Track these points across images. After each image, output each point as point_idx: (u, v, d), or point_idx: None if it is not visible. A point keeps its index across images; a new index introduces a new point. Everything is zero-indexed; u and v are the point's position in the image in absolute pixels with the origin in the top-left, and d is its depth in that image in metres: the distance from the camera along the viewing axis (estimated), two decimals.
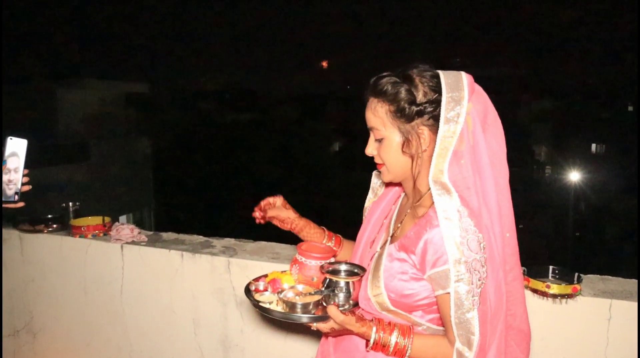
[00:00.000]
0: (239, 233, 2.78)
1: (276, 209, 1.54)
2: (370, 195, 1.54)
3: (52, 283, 2.64)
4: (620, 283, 1.99)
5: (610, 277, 2.05)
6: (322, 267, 1.32)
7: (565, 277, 1.93)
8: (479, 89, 1.22)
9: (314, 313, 1.25)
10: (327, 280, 1.27)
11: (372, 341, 1.20)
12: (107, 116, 13.82)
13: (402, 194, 1.40)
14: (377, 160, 1.28)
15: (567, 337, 1.88)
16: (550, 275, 1.96)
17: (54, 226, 2.69)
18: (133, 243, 2.44)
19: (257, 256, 2.23)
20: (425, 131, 1.19)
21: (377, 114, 1.21)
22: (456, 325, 1.13)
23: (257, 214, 1.53)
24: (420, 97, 1.18)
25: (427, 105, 1.17)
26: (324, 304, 1.25)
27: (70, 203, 2.73)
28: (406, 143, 1.20)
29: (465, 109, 1.15)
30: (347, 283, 1.26)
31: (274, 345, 2.22)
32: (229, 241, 2.45)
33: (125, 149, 14.28)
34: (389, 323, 1.22)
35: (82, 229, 2.53)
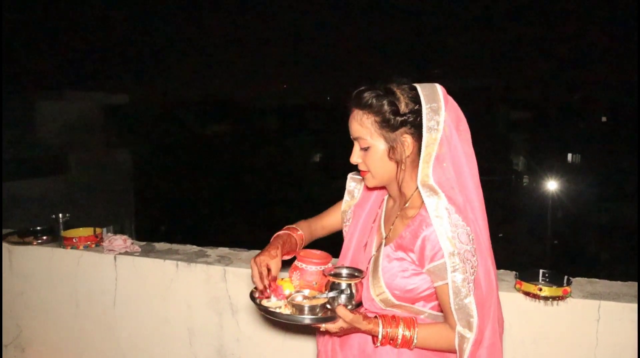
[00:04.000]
0: (223, 243, 2.79)
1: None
2: (346, 198, 1.64)
3: (42, 296, 2.60)
4: (607, 285, 2.05)
5: (597, 280, 2.12)
6: (324, 272, 1.37)
7: (554, 280, 1.98)
8: (451, 99, 1.32)
9: (320, 315, 1.30)
10: (331, 283, 1.33)
11: (380, 336, 1.27)
12: (86, 127, 13.66)
13: (385, 198, 1.49)
14: (361, 167, 1.37)
15: (557, 338, 1.93)
16: (540, 278, 2.01)
17: (44, 238, 2.66)
18: (126, 253, 2.44)
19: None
20: (408, 139, 1.30)
21: (364, 125, 1.30)
22: (456, 311, 1.23)
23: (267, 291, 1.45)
24: (402, 108, 1.28)
25: (409, 115, 1.28)
26: (329, 306, 1.31)
27: (60, 214, 2.70)
28: (391, 150, 1.30)
29: (443, 117, 1.26)
30: (350, 285, 1.32)
31: (270, 354, 2.23)
32: (223, 251, 2.46)
33: (105, 161, 14.12)
34: (393, 317, 1.30)
35: (74, 240, 2.51)
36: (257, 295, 1.42)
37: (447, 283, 1.22)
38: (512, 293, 1.96)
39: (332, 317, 1.28)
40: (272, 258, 1.42)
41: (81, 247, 2.52)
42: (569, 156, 21.43)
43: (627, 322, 1.86)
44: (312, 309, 1.30)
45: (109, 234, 2.56)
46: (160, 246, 2.57)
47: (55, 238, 2.65)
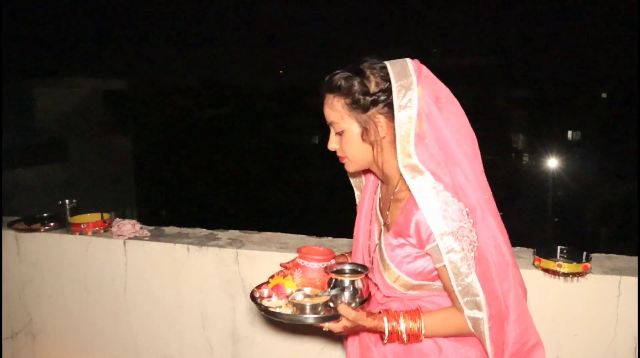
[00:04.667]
0: (226, 226, 2.76)
1: None
2: (357, 194, 1.58)
3: (51, 283, 2.58)
4: (626, 261, 2.03)
5: (615, 255, 2.09)
6: (326, 268, 1.34)
7: (573, 256, 1.95)
8: (426, 72, 1.26)
9: (323, 314, 1.25)
10: (333, 280, 1.29)
11: (387, 332, 1.23)
12: (85, 113, 13.57)
13: (379, 184, 1.44)
14: (339, 153, 1.33)
15: (577, 315, 1.91)
16: (558, 254, 1.98)
17: (51, 224, 2.63)
18: (135, 238, 2.40)
19: (265, 247, 2.22)
20: (381, 119, 1.25)
21: (335, 109, 1.27)
22: (460, 293, 1.19)
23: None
24: (373, 87, 1.24)
25: (380, 94, 1.23)
26: (332, 304, 1.27)
27: (67, 200, 2.67)
28: (365, 132, 1.26)
29: (417, 93, 1.19)
30: (353, 282, 1.28)
31: (285, 337, 2.21)
32: (234, 233, 2.43)
33: (105, 147, 14.05)
34: (396, 312, 1.25)
35: (82, 226, 2.48)
36: (257, 294, 1.39)
37: (445, 265, 1.18)
38: (531, 270, 1.94)
39: (336, 316, 1.23)
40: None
41: (90, 233, 2.48)
42: (569, 133, 21.35)
43: None
44: (314, 308, 1.26)
45: (117, 219, 2.52)
46: (169, 230, 2.53)
47: (62, 224, 2.62)
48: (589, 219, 18.03)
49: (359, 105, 1.24)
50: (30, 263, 2.59)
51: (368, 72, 1.25)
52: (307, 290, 1.35)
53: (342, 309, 1.21)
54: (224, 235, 2.41)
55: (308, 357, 2.20)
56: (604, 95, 21.78)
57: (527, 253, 2.10)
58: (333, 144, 1.33)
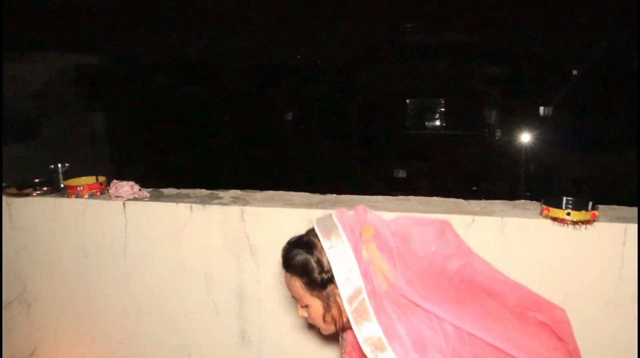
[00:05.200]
0: None
1: None
2: None
3: (46, 248, 2.51)
4: (629, 211, 2.07)
5: (617, 206, 2.13)
6: None
7: (579, 206, 1.98)
8: (380, 227, 1.24)
9: None
10: None
11: None
12: (57, 90, 13.17)
13: None
14: (309, 321, 1.33)
15: (584, 262, 1.94)
16: (564, 205, 2.00)
17: (44, 189, 2.55)
18: (135, 199, 2.35)
19: (270, 204, 2.20)
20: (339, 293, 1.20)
21: (295, 288, 1.28)
22: None
23: None
24: (325, 263, 1.21)
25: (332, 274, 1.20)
26: None
27: (59, 164, 2.59)
28: (327, 309, 1.25)
29: (358, 267, 1.16)
30: None
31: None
32: (236, 192, 2.40)
33: (78, 125, 13.70)
34: None
35: (79, 189, 2.41)
36: None
37: None
38: (539, 220, 1.96)
39: None
40: None
41: (86, 196, 2.42)
42: (541, 109, 21.67)
43: None
44: None
45: (115, 181, 2.46)
46: (168, 191, 2.49)
47: (56, 188, 2.54)
48: (560, 192, 18.42)
49: (316, 284, 1.23)
50: (23, 229, 2.52)
51: (319, 245, 1.22)
52: None
53: None
54: (225, 194, 2.38)
55: None
56: (575, 72, 22.12)
57: (533, 205, 2.13)
58: (301, 313, 1.34)
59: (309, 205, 2.17)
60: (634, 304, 1.93)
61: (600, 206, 2.06)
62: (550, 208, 1.94)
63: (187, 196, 2.37)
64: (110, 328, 2.52)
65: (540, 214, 1.99)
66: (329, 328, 1.30)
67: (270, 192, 2.38)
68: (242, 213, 2.16)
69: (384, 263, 1.19)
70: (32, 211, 2.48)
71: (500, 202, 2.18)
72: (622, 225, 1.90)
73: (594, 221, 1.91)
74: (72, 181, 2.49)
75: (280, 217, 2.13)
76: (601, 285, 1.94)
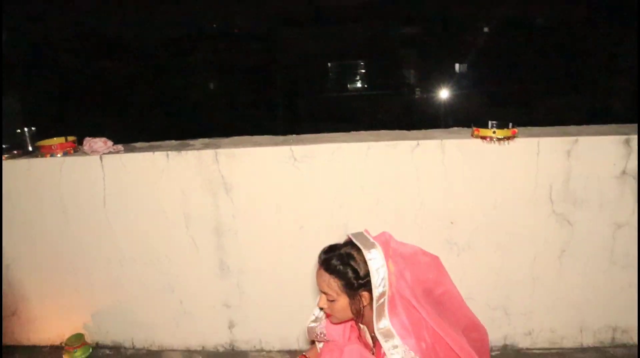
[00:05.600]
0: None
1: None
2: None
3: (23, 209, 2.61)
4: (540, 130, 2.51)
5: (531, 127, 2.56)
6: None
7: (502, 126, 2.38)
8: (394, 245, 1.69)
9: None
10: None
11: None
12: None
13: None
14: (327, 311, 1.73)
15: (509, 172, 2.36)
16: (490, 126, 2.40)
17: (14, 152, 2.65)
18: (110, 153, 2.52)
19: (241, 146, 2.45)
20: (366, 294, 1.63)
21: (331, 287, 1.63)
22: None
23: None
24: (362, 272, 1.60)
25: (368, 279, 1.59)
26: None
27: (26, 129, 2.69)
28: (352, 303, 1.64)
29: (385, 275, 1.58)
30: None
31: (265, 225, 2.48)
32: (205, 140, 2.63)
33: None
34: None
35: (53, 148, 2.54)
36: None
37: None
38: (471, 140, 2.35)
39: None
40: None
41: (60, 154, 2.55)
42: (457, 66, 22.64)
43: (559, 153, 2.32)
44: None
45: (87, 138, 2.60)
46: (140, 145, 2.67)
47: (25, 152, 2.65)
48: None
49: (352, 287, 1.61)
50: None
51: (357, 258, 1.61)
52: None
53: None
54: (196, 142, 2.60)
55: (289, 240, 2.50)
56: (485, 29, 23.22)
57: (465, 130, 2.53)
58: (322, 304, 1.68)
59: (275, 144, 2.46)
60: (547, 203, 2.38)
61: (518, 128, 2.50)
62: (480, 129, 2.34)
63: (160, 146, 2.58)
64: (93, 278, 2.70)
65: (472, 135, 2.38)
66: (343, 319, 1.71)
67: (237, 137, 2.64)
68: (216, 155, 2.41)
69: (395, 275, 1.62)
70: (6, 174, 2.57)
71: (439, 130, 2.57)
72: (535, 139, 2.33)
73: (514, 137, 2.32)
74: (46, 142, 2.60)
75: (250, 156, 2.40)
76: (523, 188, 2.37)
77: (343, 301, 1.64)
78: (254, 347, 2.70)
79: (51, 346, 2.89)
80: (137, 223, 2.56)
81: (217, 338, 2.71)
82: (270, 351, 2.69)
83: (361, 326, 1.79)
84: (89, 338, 2.80)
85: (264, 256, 2.52)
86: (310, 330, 1.96)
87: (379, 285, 1.58)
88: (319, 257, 1.68)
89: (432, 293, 1.83)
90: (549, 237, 2.42)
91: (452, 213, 2.40)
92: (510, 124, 2.37)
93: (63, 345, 2.76)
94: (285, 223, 2.46)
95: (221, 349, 2.73)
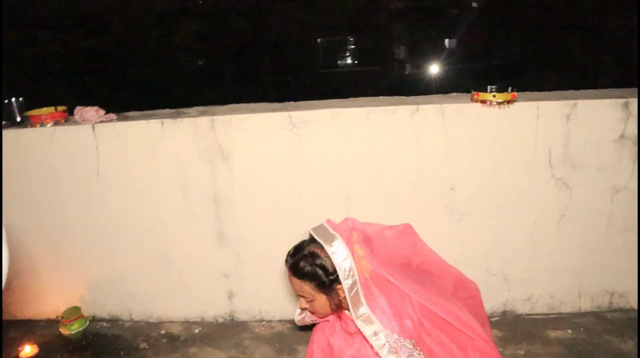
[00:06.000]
0: None
1: None
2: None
3: (12, 182, 2.55)
4: (539, 95, 2.49)
5: (530, 92, 2.54)
6: None
7: (501, 91, 2.35)
8: (358, 226, 1.67)
9: None
10: None
11: None
12: None
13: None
14: (309, 310, 1.74)
15: (508, 135, 2.34)
16: (489, 90, 2.37)
17: (2, 122, 2.58)
18: (103, 122, 2.46)
19: (237, 112, 2.40)
20: (341, 287, 1.60)
21: (305, 291, 1.63)
22: None
23: None
24: (330, 268, 1.58)
25: (336, 274, 1.58)
26: None
27: (13, 99, 2.62)
28: (330, 299, 1.64)
29: (353, 263, 1.56)
30: None
31: (265, 193, 2.45)
32: (199, 108, 2.58)
33: None
34: None
35: (42, 117, 2.48)
36: None
37: None
38: (471, 104, 2.32)
39: None
40: None
41: (51, 124, 2.49)
42: (446, 41, 22.54)
43: (558, 117, 2.30)
44: None
45: (78, 107, 2.54)
46: (133, 114, 2.61)
47: (14, 122, 2.58)
48: None
49: (325, 285, 1.60)
50: None
51: (322, 256, 1.59)
52: None
53: None
54: (191, 110, 2.55)
55: (289, 208, 2.48)
56: (474, 4, 23.10)
57: (464, 95, 2.50)
58: (304, 305, 1.70)
59: (273, 110, 2.41)
60: (546, 167, 2.37)
61: (518, 93, 2.47)
62: (480, 93, 2.31)
63: (154, 115, 2.52)
64: (88, 249, 2.66)
65: (471, 100, 2.35)
66: (326, 314, 1.71)
67: (233, 105, 2.59)
68: (213, 122, 2.36)
69: (365, 258, 1.60)
70: None
71: (437, 95, 2.54)
72: (535, 103, 2.31)
73: (514, 101, 2.30)
74: (34, 112, 2.53)
75: (248, 122, 2.35)
76: (522, 152, 2.35)
77: (321, 299, 1.65)
78: (254, 317, 2.69)
79: (47, 320, 2.86)
80: (132, 193, 2.52)
81: (216, 309, 2.70)
82: (270, 321, 2.68)
83: (346, 313, 1.79)
84: (85, 312, 2.77)
85: (263, 225, 2.49)
86: (300, 321, 1.97)
87: (347, 277, 1.57)
88: (286, 262, 1.67)
89: (411, 265, 1.85)
90: (548, 201, 2.42)
91: (452, 178, 2.38)
92: (510, 88, 2.34)
93: (59, 318, 2.73)
94: (284, 191, 2.43)
95: (220, 320, 2.72)
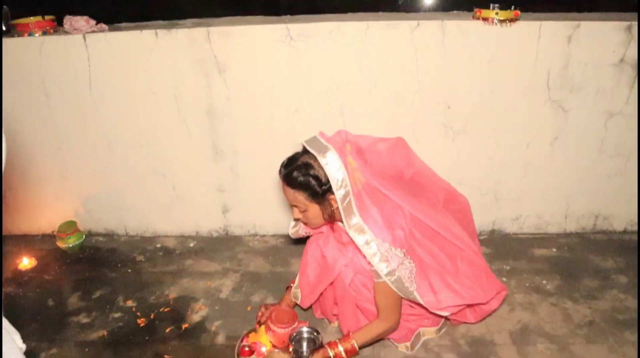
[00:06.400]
0: None
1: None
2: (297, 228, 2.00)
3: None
4: (543, 15, 2.44)
5: (532, 13, 2.49)
6: (290, 337, 1.83)
7: (504, 7, 2.30)
8: (351, 138, 1.69)
9: None
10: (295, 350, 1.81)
11: (332, 354, 1.74)
12: None
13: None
14: (302, 220, 1.79)
15: (507, 55, 2.31)
16: (491, 7, 2.32)
17: None
18: (94, 32, 2.39)
19: (233, 24, 2.34)
20: (334, 197, 1.62)
21: (299, 200, 1.65)
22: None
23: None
24: (324, 178, 1.60)
25: (330, 184, 1.59)
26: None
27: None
28: (323, 209, 1.67)
29: (344, 174, 1.57)
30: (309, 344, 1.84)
31: (261, 107, 2.42)
32: (195, 20, 2.50)
33: None
34: (334, 342, 1.76)
35: (30, 26, 2.39)
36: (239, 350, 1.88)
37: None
38: (472, 21, 2.28)
39: None
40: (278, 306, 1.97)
41: (39, 33, 2.41)
42: None
43: (560, 38, 2.27)
44: None
45: (68, 16, 2.45)
46: (125, 25, 2.53)
47: None
48: None
49: (318, 195, 1.63)
50: None
51: (316, 166, 1.60)
52: (275, 353, 1.83)
53: None
54: (186, 21, 2.48)
55: (284, 123, 2.46)
56: None
57: (465, 14, 2.45)
58: (297, 215, 1.73)
59: (270, 22, 2.35)
60: (544, 90, 2.36)
61: (521, 13, 2.42)
62: (482, 10, 2.26)
63: (147, 26, 2.44)
64: (81, 163, 2.65)
65: (473, 17, 2.30)
66: (319, 225, 1.76)
67: (229, 17, 2.52)
68: (208, 33, 2.29)
69: (358, 169, 1.63)
70: None
71: (438, 12, 2.49)
72: (538, 22, 2.27)
73: (516, 19, 2.25)
74: (21, 21, 2.44)
75: (245, 34, 2.29)
76: (521, 73, 2.33)
77: (314, 209, 1.67)
78: (248, 231, 2.74)
79: (43, 234, 2.90)
80: (125, 105, 2.48)
81: (211, 223, 2.74)
82: (264, 235, 2.74)
83: (338, 224, 1.82)
84: (81, 226, 2.79)
85: (258, 139, 2.49)
86: (294, 234, 2.02)
87: (340, 187, 1.59)
88: (280, 173, 1.67)
89: (403, 177, 1.89)
90: (543, 124, 2.42)
91: (450, 96, 2.37)
92: (513, 7, 2.29)
93: (55, 233, 2.76)
94: (280, 105, 2.41)
95: (215, 234, 2.76)
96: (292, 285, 2.06)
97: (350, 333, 1.77)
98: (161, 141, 2.54)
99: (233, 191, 2.63)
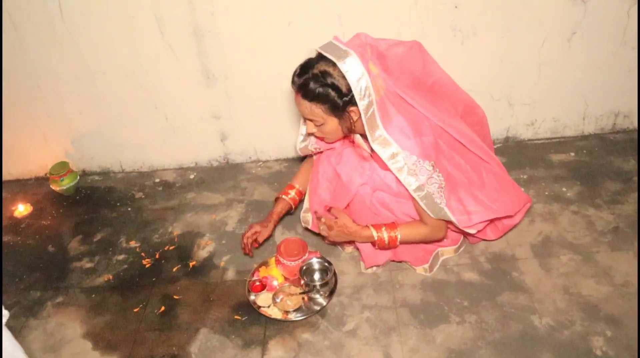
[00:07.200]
0: None
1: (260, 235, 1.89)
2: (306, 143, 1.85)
3: None
4: None
5: None
6: (300, 270, 1.78)
7: None
8: (370, 40, 1.52)
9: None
10: (305, 277, 1.77)
11: (375, 237, 1.66)
12: None
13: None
14: (317, 135, 1.61)
15: None
16: None
17: None
18: None
19: None
20: (355, 109, 1.48)
21: (315, 114, 1.49)
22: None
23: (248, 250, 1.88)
24: (344, 88, 1.43)
25: (351, 96, 1.44)
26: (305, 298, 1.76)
27: None
28: (342, 122, 1.52)
29: (368, 82, 1.41)
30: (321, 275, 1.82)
31: (251, 23, 2.21)
32: None
33: None
34: (379, 225, 1.67)
35: None
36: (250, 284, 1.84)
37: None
38: None
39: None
40: (263, 228, 1.86)
41: None
42: None
43: None
44: (296, 309, 1.72)
45: None
46: None
47: None
48: None
49: (338, 108, 1.46)
50: None
51: (335, 74, 1.42)
52: (286, 287, 1.79)
53: (343, 219, 1.69)
54: None
55: (277, 38, 2.26)
56: None
57: None
58: (312, 130, 1.57)
59: None
60: None
61: None
62: None
63: None
64: (64, 100, 2.48)
65: None
66: (336, 139, 1.64)
67: None
68: None
69: (380, 76, 1.50)
70: None
71: None
72: None
73: None
74: None
75: None
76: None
77: (332, 123, 1.51)
78: (249, 158, 2.61)
79: (36, 178, 2.79)
80: (102, 33, 2.26)
81: (209, 153, 2.61)
82: (266, 161, 2.61)
83: (357, 138, 1.66)
84: (74, 167, 2.68)
85: (251, 59, 2.29)
86: (303, 150, 1.85)
87: (364, 97, 1.42)
88: (293, 82, 1.48)
89: (424, 85, 1.71)
90: (559, 18, 2.21)
91: None
92: None
93: (48, 175, 2.64)
94: (272, 19, 2.19)
95: (215, 163, 2.64)
96: (282, 196, 1.94)
97: (397, 224, 1.67)
98: (147, 70, 2.35)
99: (229, 117, 2.47)
